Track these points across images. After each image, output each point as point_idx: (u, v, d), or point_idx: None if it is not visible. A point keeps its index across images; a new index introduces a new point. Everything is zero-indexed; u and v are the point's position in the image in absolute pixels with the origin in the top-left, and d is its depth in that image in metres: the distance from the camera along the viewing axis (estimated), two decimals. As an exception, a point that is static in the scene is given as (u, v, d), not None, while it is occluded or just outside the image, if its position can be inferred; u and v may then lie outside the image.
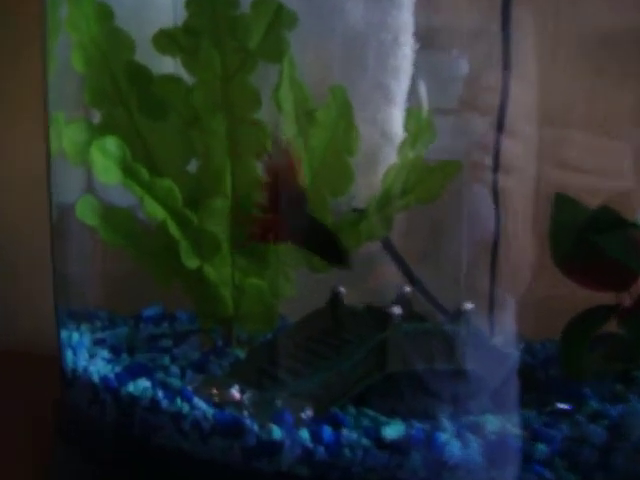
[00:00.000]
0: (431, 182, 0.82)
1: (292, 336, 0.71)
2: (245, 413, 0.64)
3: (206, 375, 0.72)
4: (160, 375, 0.73)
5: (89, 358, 0.78)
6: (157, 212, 0.75)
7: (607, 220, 0.76)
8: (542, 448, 0.63)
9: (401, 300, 0.73)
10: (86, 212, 0.77)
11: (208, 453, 0.65)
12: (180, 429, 0.66)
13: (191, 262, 0.76)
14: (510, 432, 0.65)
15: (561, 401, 0.70)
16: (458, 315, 0.70)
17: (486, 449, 0.62)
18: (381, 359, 0.67)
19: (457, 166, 0.82)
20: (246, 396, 0.65)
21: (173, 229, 0.75)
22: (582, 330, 0.73)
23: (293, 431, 0.63)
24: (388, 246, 0.82)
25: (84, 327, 0.84)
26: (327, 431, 0.63)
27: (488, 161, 0.79)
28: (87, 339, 0.82)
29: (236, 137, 0.75)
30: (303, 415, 0.63)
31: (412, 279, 0.81)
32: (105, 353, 0.79)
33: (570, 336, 0.74)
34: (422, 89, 0.78)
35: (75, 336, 0.81)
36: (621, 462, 0.64)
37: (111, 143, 0.74)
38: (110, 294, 0.87)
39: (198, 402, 0.66)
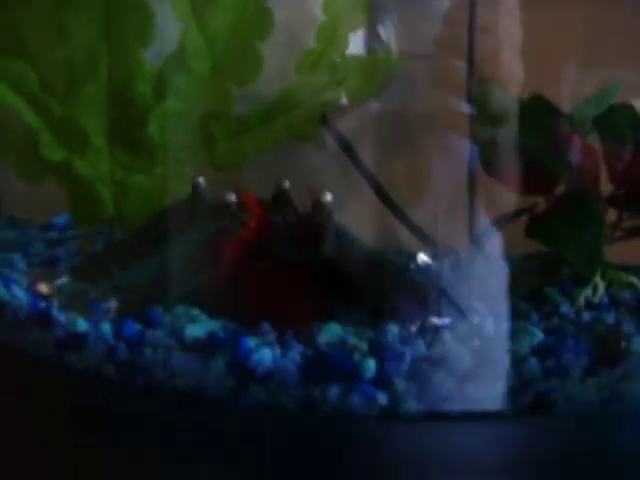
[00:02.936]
0: (362, 76, 0.75)
1: (144, 230, 0.64)
2: (57, 304, 0.59)
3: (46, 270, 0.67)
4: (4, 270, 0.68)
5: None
6: (8, 97, 0.68)
7: (536, 112, 0.64)
8: (370, 365, 0.53)
9: (280, 195, 0.65)
10: None
11: (26, 345, 0.60)
12: (3, 318, 0.61)
13: (53, 154, 0.70)
14: (348, 344, 0.56)
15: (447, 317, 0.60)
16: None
17: (307, 361, 0.54)
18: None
19: (397, 60, 0.75)
20: (59, 286, 0.59)
21: (29, 117, 0.69)
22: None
23: (97, 324, 0.57)
24: (347, 148, 0.73)
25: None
26: (130, 326, 0.56)
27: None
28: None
29: (114, 18, 0.68)
30: (105, 306, 0.57)
31: (378, 188, 0.72)
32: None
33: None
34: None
35: None
36: (481, 391, 0.54)
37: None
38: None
39: (18, 291, 0.62)
